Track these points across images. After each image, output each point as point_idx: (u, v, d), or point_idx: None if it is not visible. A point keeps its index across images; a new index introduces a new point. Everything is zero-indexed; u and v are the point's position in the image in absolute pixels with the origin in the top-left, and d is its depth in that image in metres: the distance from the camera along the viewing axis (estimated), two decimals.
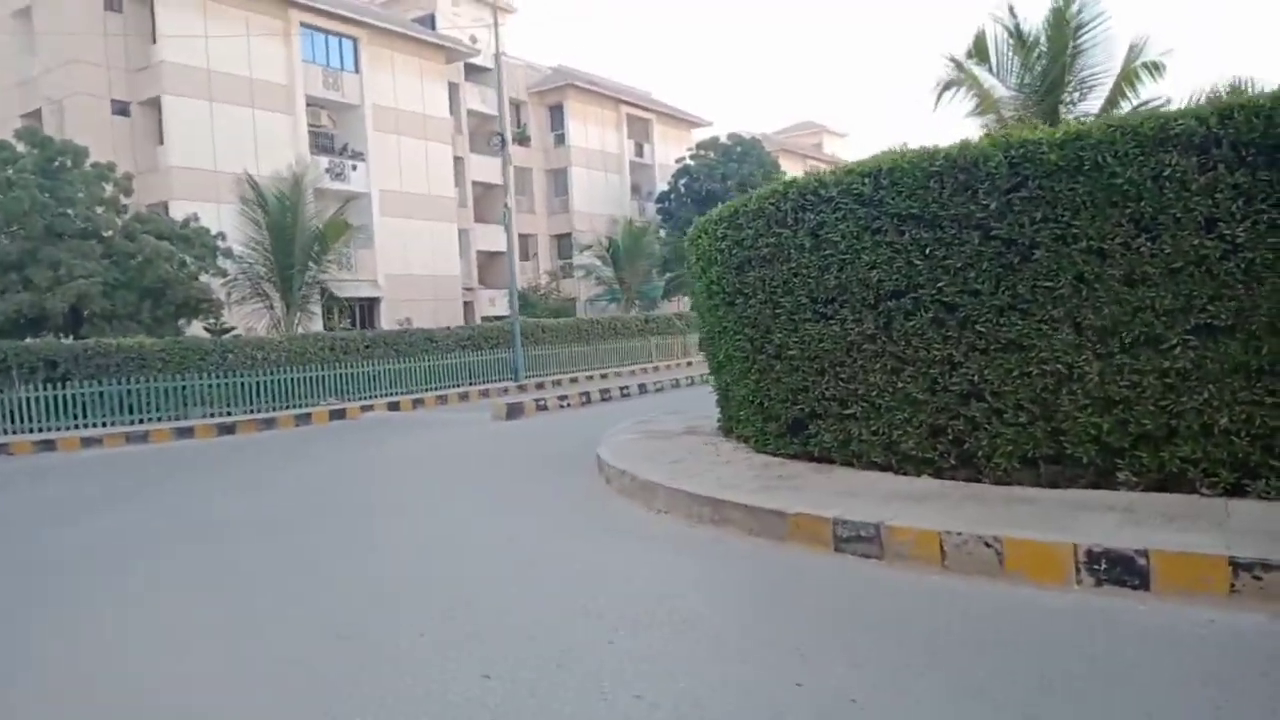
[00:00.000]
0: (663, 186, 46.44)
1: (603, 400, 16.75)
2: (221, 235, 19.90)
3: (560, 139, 44.05)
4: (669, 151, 48.90)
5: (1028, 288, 5.56)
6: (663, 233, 38.29)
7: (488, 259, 41.59)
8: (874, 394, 6.38)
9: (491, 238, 41.31)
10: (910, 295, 6.05)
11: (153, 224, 18.04)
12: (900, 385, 6.21)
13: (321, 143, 32.28)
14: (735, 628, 4.25)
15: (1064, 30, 15.40)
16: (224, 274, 19.29)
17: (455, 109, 38.71)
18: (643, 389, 17.93)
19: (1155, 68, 15.74)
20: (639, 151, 47.52)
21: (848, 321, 6.45)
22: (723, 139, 42.69)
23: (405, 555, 5.98)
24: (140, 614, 4.95)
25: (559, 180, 44.42)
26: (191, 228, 18.99)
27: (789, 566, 5.09)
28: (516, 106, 43.58)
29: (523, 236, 42.96)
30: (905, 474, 6.30)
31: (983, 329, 5.74)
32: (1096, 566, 4.30)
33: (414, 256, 34.04)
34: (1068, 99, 15.87)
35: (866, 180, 6.13)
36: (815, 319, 6.68)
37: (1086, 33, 15.39)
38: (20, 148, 17.34)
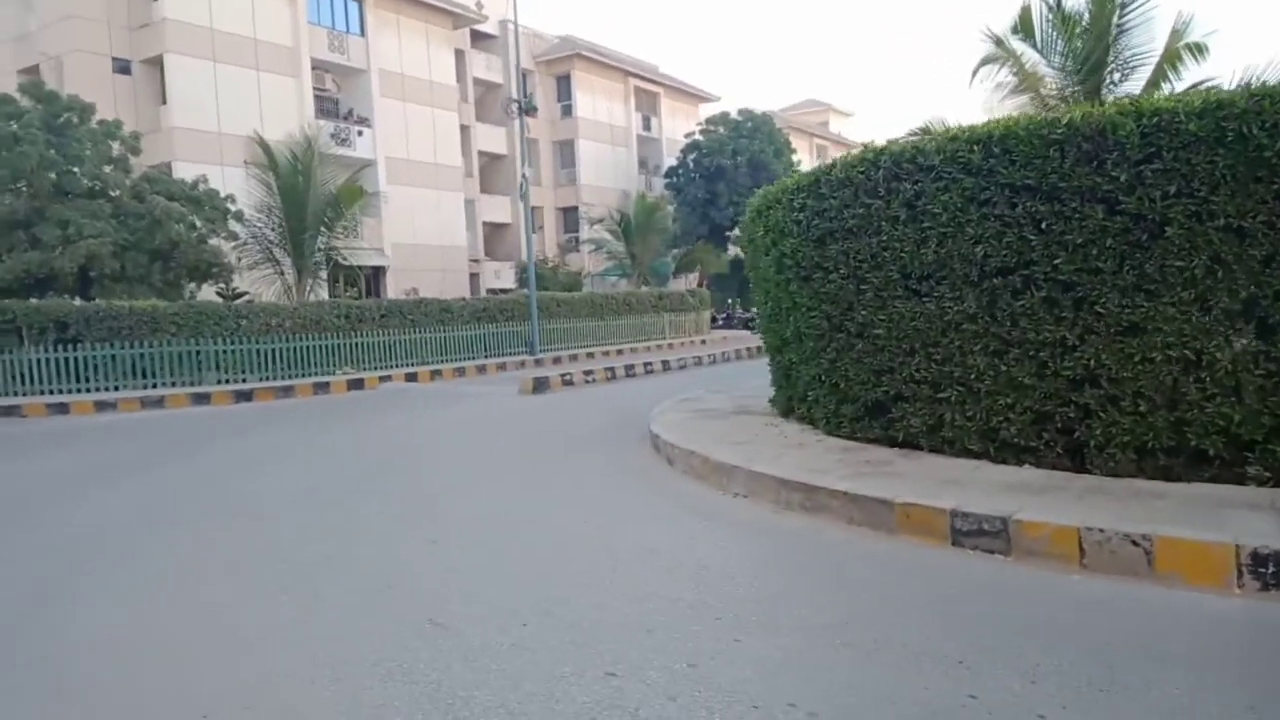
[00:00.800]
0: (670, 161, 45.83)
1: (628, 376, 16.38)
2: (230, 198, 19.32)
3: (567, 110, 43.32)
4: (676, 126, 48.25)
5: (1156, 267, 5.18)
6: (672, 208, 37.76)
7: (493, 230, 41.03)
8: (972, 377, 6.02)
9: (498, 209, 40.75)
10: (1020, 273, 5.66)
11: (162, 184, 17.47)
12: (1004, 368, 5.84)
13: (326, 107, 31.59)
14: (873, 632, 3.89)
15: (1107, 8, 14.95)
16: (235, 237, 18.75)
17: (462, 77, 37.95)
18: (666, 366, 17.56)
19: (1199, 49, 15.30)
20: (646, 125, 46.86)
21: (945, 299, 6.07)
22: (733, 114, 42.05)
23: (476, 539, 5.60)
24: (200, 607, 4.56)
25: (565, 152, 43.74)
26: (201, 189, 18.41)
27: (906, 562, 4.73)
28: (523, 76, 42.63)
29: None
30: (1004, 462, 5.95)
31: (1102, 310, 5.36)
32: (1263, 570, 3.96)
33: (420, 226, 33.48)
34: (1109, 79, 15.46)
35: (976, 148, 5.72)
36: (907, 296, 6.30)
37: (1130, 11, 14.92)
38: (24, 102, 16.72)
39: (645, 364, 17.03)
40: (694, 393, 11.44)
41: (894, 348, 6.47)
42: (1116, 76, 15.57)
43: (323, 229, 19.59)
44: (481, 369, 19.11)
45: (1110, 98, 15.69)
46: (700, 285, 38.37)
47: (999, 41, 16.47)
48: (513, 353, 21.42)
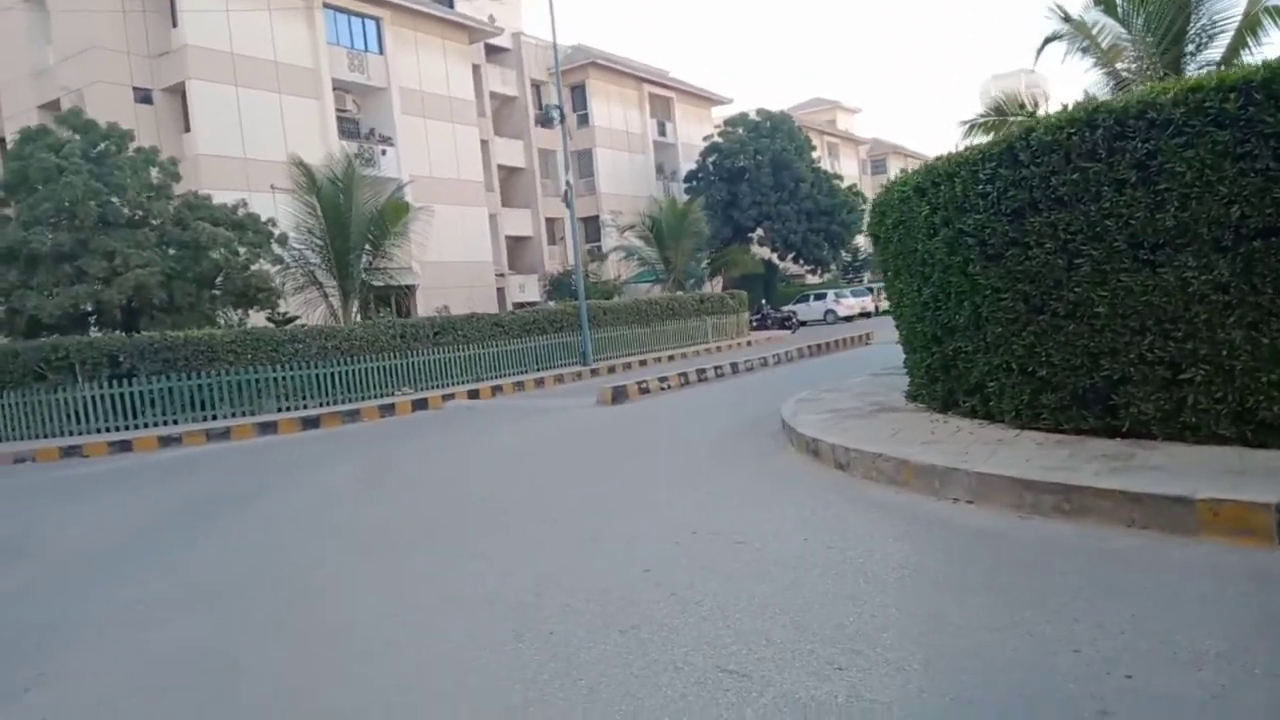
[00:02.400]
0: (687, 165, 45.31)
1: (700, 381, 15.71)
2: (272, 221, 18.72)
3: (583, 119, 42.76)
4: (690, 130, 47.72)
5: None
6: (703, 211, 37.12)
7: (515, 244, 40.46)
8: (1224, 354, 5.33)
9: (519, 222, 40.21)
10: None
11: (204, 210, 16.86)
12: (1265, 341, 5.16)
13: (347, 128, 31.03)
14: None
15: None
16: (280, 261, 18.12)
17: (478, 92, 37.42)
18: (735, 369, 16.89)
19: (1277, 13, 14.66)
20: (661, 130, 46.31)
21: (1187, 269, 5.39)
22: (751, 115, 41.53)
23: (690, 565, 4.89)
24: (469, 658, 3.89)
25: (583, 162, 43.14)
26: (242, 214, 17.81)
27: (1239, 571, 4.03)
28: (536, 87, 42.29)
29: (549, 220, 41.83)
30: (1263, 446, 5.26)
31: None
32: None
33: (447, 243, 32.81)
34: (1189, 49, 14.84)
35: (1231, 96, 5.05)
36: (1136, 268, 5.61)
37: None
38: (62, 133, 16.13)
39: (716, 368, 16.35)
40: (804, 393, 10.75)
41: (1118, 327, 5.79)
42: (1192, 47, 14.98)
43: (367, 247, 18.97)
44: (540, 382, 18.45)
45: (1190, 69, 15.07)
46: (724, 287, 37.78)
47: (1066, 18, 15.90)
48: (565, 364, 20.77)
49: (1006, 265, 6.38)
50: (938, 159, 7.15)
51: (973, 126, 16.90)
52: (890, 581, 4.35)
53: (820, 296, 38.80)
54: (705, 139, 42.92)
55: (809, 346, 19.88)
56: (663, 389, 14.69)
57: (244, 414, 14.56)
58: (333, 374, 15.68)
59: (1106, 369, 5.93)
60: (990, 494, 5.40)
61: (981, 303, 6.73)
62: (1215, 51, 14.66)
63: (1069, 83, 72.09)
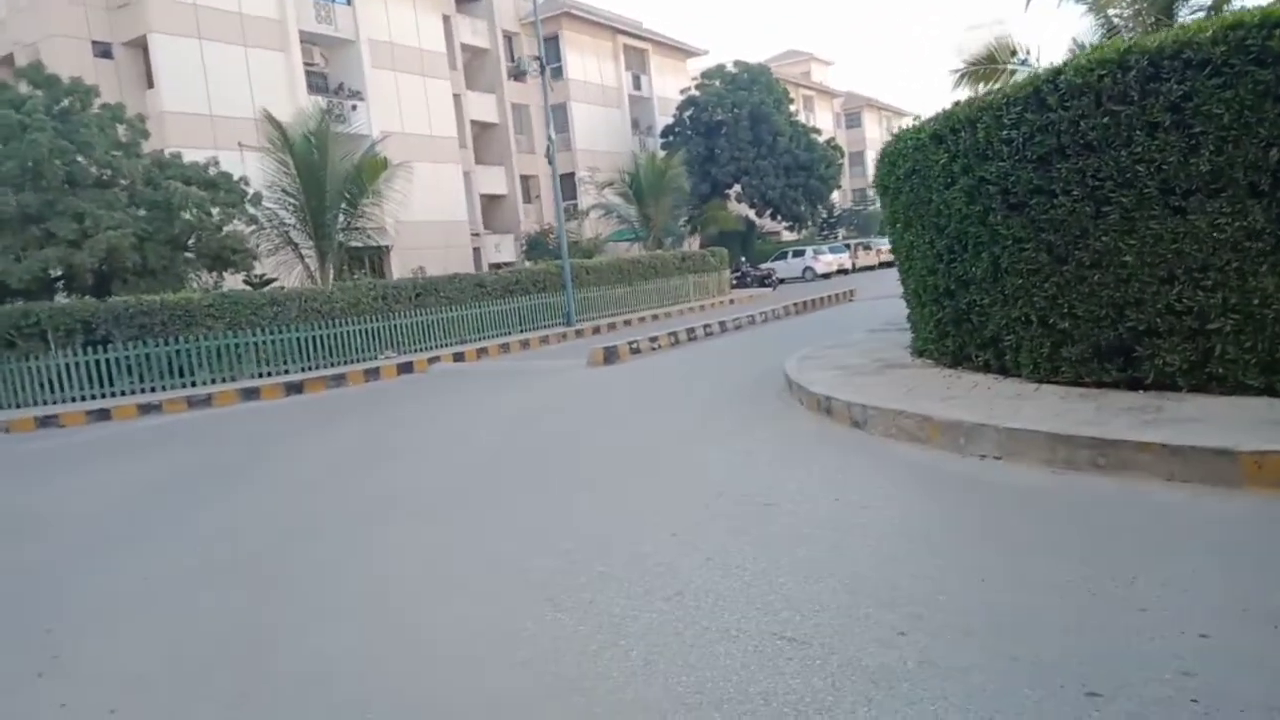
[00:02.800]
0: (663, 120, 44.64)
1: (690, 341, 15.53)
2: (244, 180, 18.13)
3: (557, 73, 41.73)
4: (666, 84, 46.95)
5: None
6: (684, 167, 36.60)
7: (489, 202, 39.76)
8: (1254, 303, 5.23)
9: (493, 180, 39.48)
10: None
11: (176, 169, 16.25)
12: None
13: (316, 82, 30.09)
14: None
15: None
16: (255, 222, 17.57)
17: (449, 44, 36.43)
18: (724, 327, 16.72)
19: None
20: (636, 84, 45.51)
21: (1220, 215, 5.26)
22: (729, 67, 40.88)
23: (726, 541, 4.75)
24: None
25: (558, 117, 42.07)
26: (215, 172, 17.20)
27: None
28: (508, 39, 41.30)
29: (524, 177, 41.14)
30: None
31: None
32: None
33: (421, 202, 32.07)
34: None
35: (1276, 33, 4.87)
36: (1166, 215, 5.47)
37: None
38: (22, 88, 15.41)
39: (705, 327, 16.17)
40: (805, 350, 10.62)
41: (1145, 276, 5.66)
42: None
43: (344, 206, 18.46)
44: (525, 344, 18.17)
45: (1182, 13, 14.89)
46: (701, 245, 37.45)
47: None
48: (549, 325, 20.49)
49: (1030, 214, 6.22)
50: (956, 105, 6.95)
51: (963, 75, 16.69)
52: (935, 542, 4.25)
53: (799, 254, 38.64)
54: (682, 92, 42.25)
55: (794, 304, 19.75)
56: (653, 349, 14.51)
57: (224, 380, 14.18)
58: (314, 338, 15.31)
59: (1131, 320, 5.81)
60: (1021, 450, 5.29)
61: (1001, 253, 6.57)
62: None
63: (1041, 33, 71.66)
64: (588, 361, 13.51)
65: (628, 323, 21.29)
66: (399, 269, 30.75)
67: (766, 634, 3.37)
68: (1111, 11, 15.16)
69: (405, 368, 15.22)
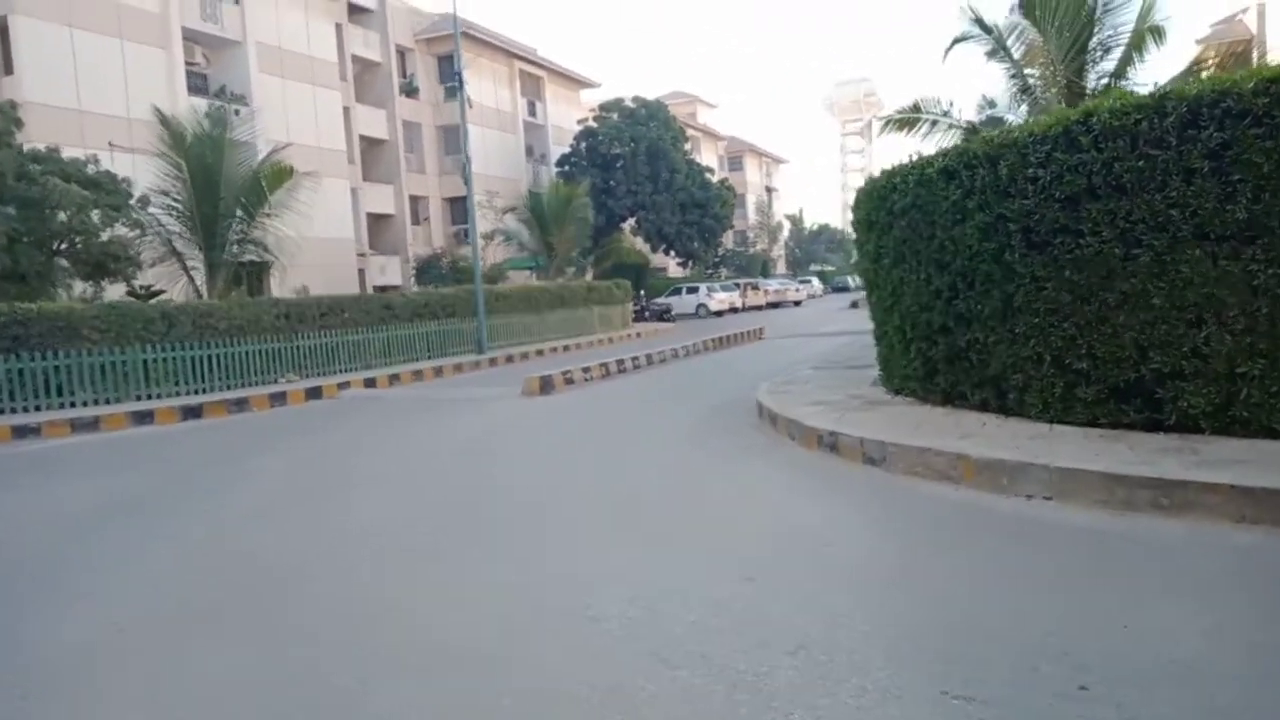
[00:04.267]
0: (557, 149, 44.37)
1: (621, 372, 15.13)
2: (127, 181, 16.54)
3: (452, 92, 40.85)
4: (560, 112, 46.79)
5: None
6: (588, 198, 36.29)
7: (376, 221, 38.20)
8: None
9: (381, 199, 38.05)
10: None
11: (53, 164, 14.61)
12: None
13: (196, 83, 28.17)
14: None
15: None
16: (140, 227, 16.00)
17: (340, 55, 35.00)
18: (650, 360, 16.38)
19: (1158, 33, 15.68)
20: (531, 111, 45.08)
21: (1254, 262, 5.36)
22: (627, 101, 41.10)
23: (780, 586, 4.36)
24: None
25: (450, 138, 41.30)
26: (97, 171, 15.59)
27: None
28: (401, 54, 40.14)
29: (413, 198, 39.87)
30: None
31: None
32: None
33: (305, 217, 30.49)
34: (1091, 60, 15.57)
35: None
36: (1199, 260, 5.54)
37: None
38: None
39: (633, 359, 15.79)
40: (765, 385, 10.43)
41: (1173, 319, 5.71)
42: (1094, 59, 15.71)
43: (240, 216, 17.12)
44: (439, 371, 17.26)
45: (1090, 78, 15.84)
46: (595, 278, 37.25)
47: (979, 20, 16.35)
48: (458, 352, 19.61)
49: (1052, 253, 6.21)
50: (970, 140, 6.92)
51: (889, 121, 17.20)
52: (1044, 591, 3.97)
53: (693, 290, 38.98)
54: (580, 123, 42.12)
55: (712, 340, 19.67)
56: (587, 379, 14.02)
57: (108, 400, 12.69)
58: (211, 357, 13.97)
59: (1156, 362, 5.84)
60: (1073, 490, 5.16)
61: (1015, 291, 6.54)
62: (1109, 64, 15.50)
63: (905, 88, 76.13)
64: (523, 391, 12.88)
65: (540, 353, 20.67)
66: (279, 288, 28.96)
67: (935, 694, 3.00)
68: (1028, 71, 15.94)
69: (313, 393, 14.10)
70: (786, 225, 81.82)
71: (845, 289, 67.94)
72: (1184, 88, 5.54)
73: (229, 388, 14.08)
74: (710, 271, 53.71)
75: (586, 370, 14.16)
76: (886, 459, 6.36)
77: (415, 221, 40.07)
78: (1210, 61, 16.66)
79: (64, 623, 4.26)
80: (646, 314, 33.56)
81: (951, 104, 16.84)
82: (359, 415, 12.02)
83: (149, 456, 9.56)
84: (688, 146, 42.45)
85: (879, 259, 8.40)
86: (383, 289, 33.45)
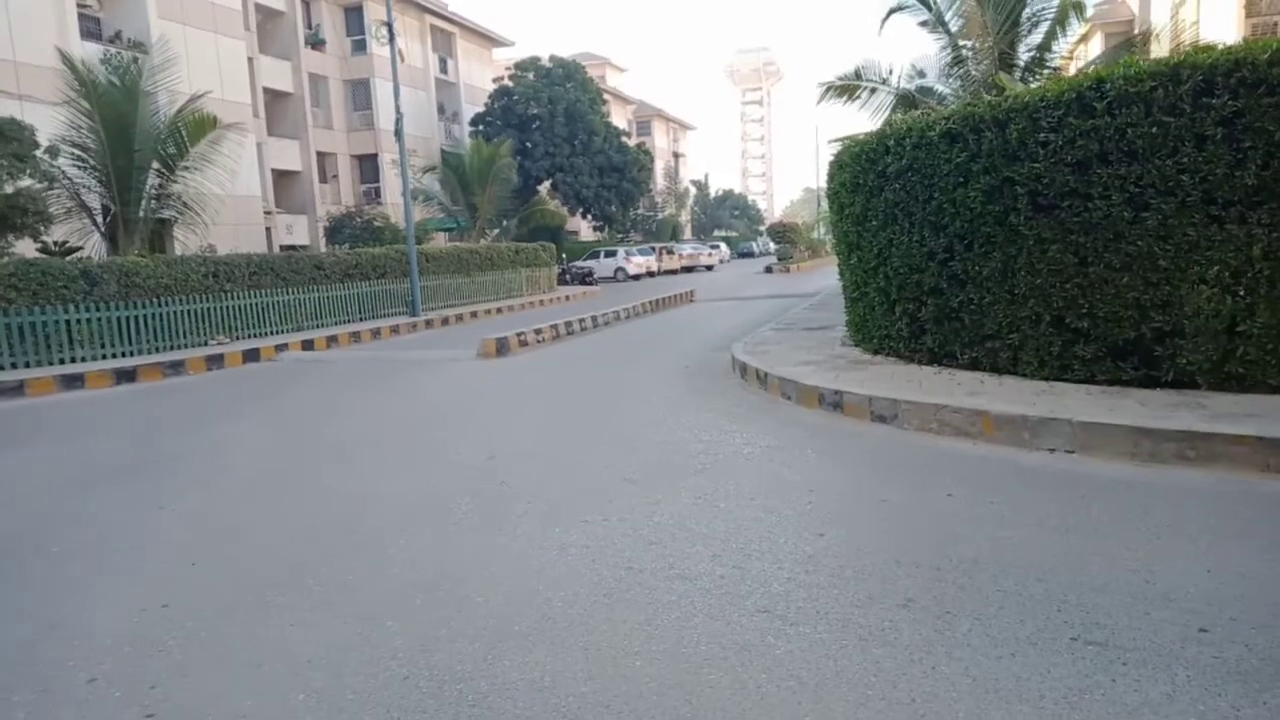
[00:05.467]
0: (469, 108, 43.18)
1: (570, 335, 14.96)
2: (32, 129, 15.23)
3: (360, 46, 39.23)
4: (472, 71, 45.47)
5: None
6: (516, 157, 35.45)
7: (281, 178, 36.46)
8: None
9: (286, 155, 36.34)
10: None
11: None
12: None
13: (88, 27, 26.09)
14: None
15: None
16: (49, 179, 14.79)
17: (244, 3, 32.98)
18: (595, 322, 16.23)
19: (1079, 8, 16.30)
20: (443, 68, 43.61)
21: (1258, 226, 5.66)
22: (544, 60, 40.22)
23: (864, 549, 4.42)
24: None
25: (359, 93, 39.70)
26: (6, 118, 14.30)
27: None
28: (307, 4, 38.13)
29: (320, 154, 38.18)
30: None
31: None
32: None
33: (208, 173, 28.85)
34: (1022, 32, 16.06)
35: None
36: (1205, 223, 5.82)
37: None
38: None
39: (580, 321, 15.61)
40: (738, 345, 10.49)
41: (1177, 280, 6.00)
42: (1024, 30, 16.21)
43: (156, 168, 16.04)
44: (376, 333, 16.68)
45: (1020, 50, 16.37)
46: (514, 240, 36.57)
47: None
48: (391, 313, 19.00)
49: (1059, 216, 6.41)
50: (974, 104, 7.04)
51: (830, 88, 17.38)
52: (1114, 540, 4.11)
53: (610, 254, 38.76)
54: (495, 81, 41.07)
55: (650, 303, 19.66)
56: (539, 341, 13.80)
57: (26, 364, 11.77)
58: (138, 317, 13.10)
59: (1157, 321, 6.14)
60: (1098, 443, 5.39)
61: (1018, 253, 6.74)
62: (1037, 37, 16.05)
63: (805, 58, 77.07)
64: (479, 353, 12.59)
65: (474, 315, 20.23)
66: (181, 246, 27.34)
67: (1064, 641, 3.10)
68: (964, 43, 16.33)
69: (251, 355, 13.43)
70: (693, 191, 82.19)
71: (750, 254, 68.95)
72: (1192, 55, 5.76)
73: (157, 350, 13.27)
74: (621, 236, 53.57)
75: (539, 332, 13.94)
76: (899, 416, 6.50)
77: (323, 179, 38.46)
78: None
79: (102, 606, 3.96)
80: (567, 277, 33.25)
81: (891, 72, 17.16)
82: (311, 378, 11.51)
83: (99, 423, 8.94)
84: (607, 108, 41.93)
85: (864, 221, 8.51)
86: (290, 249, 32.06)
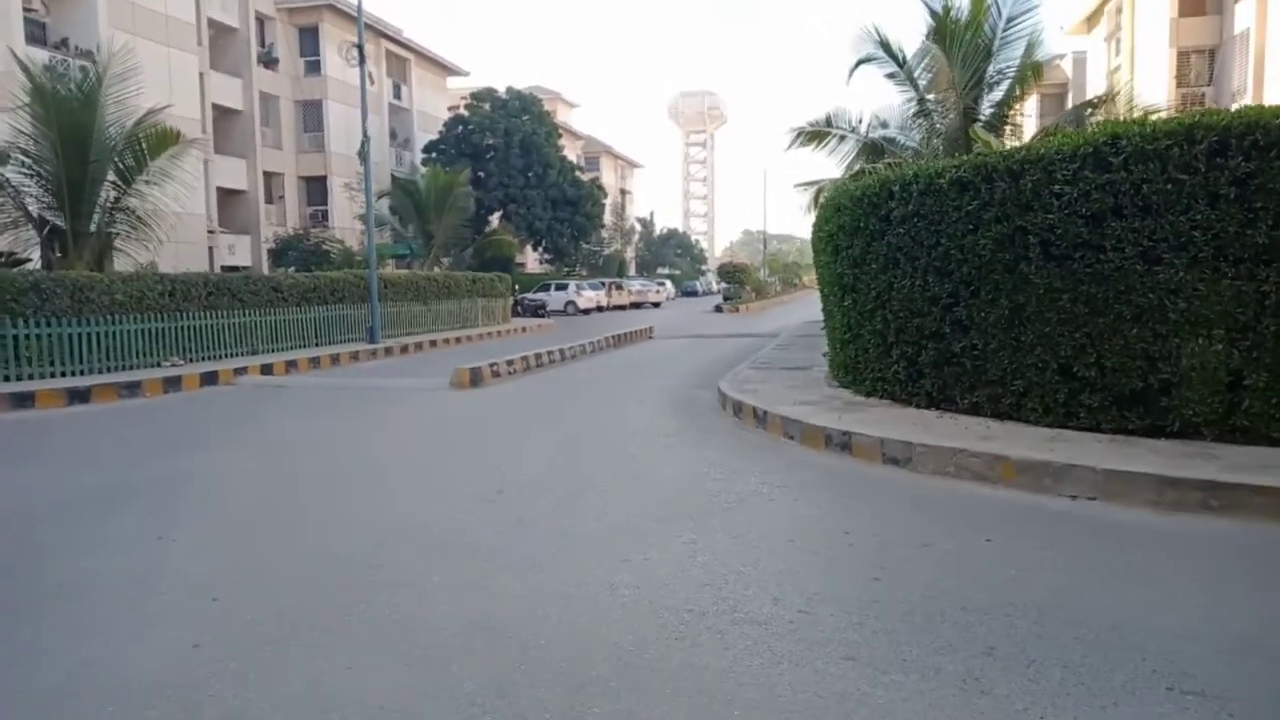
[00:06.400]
0: (422, 135, 42.92)
1: (539, 366, 14.76)
2: None
3: (314, 67, 38.73)
4: (425, 98, 45.30)
5: None
6: (471, 187, 35.07)
7: (226, 197, 35.53)
8: None
9: (232, 173, 35.49)
10: None
11: None
12: None
13: (33, 32, 25.19)
14: None
15: (995, 20, 16.04)
16: None
17: (197, 17, 32.28)
18: (563, 355, 16.03)
19: (1037, 69, 17.04)
20: (396, 93, 43.34)
21: (1267, 283, 5.88)
22: (500, 91, 40.23)
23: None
24: None
25: (310, 114, 39.09)
26: None
27: None
28: (261, 21, 37.52)
29: (267, 174, 37.36)
30: None
31: None
32: None
33: (166, 189, 27.91)
34: (986, 88, 16.63)
35: None
36: (1215, 279, 6.02)
37: (1012, 26, 16.14)
38: None
39: (549, 353, 15.42)
40: (727, 382, 10.46)
41: (1186, 332, 6.17)
42: (987, 88, 16.80)
43: (113, 180, 15.44)
44: (335, 359, 16.19)
45: (984, 104, 16.96)
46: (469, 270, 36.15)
47: (885, 44, 17.14)
48: (348, 339, 18.51)
49: (1071, 266, 6.56)
50: (985, 154, 7.20)
51: (800, 134, 17.72)
52: (1171, 587, 4.15)
53: (561, 287, 38.67)
54: (450, 109, 40.89)
55: (612, 338, 19.54)
56: (510, 373, 13.57)
57: None
58: (91, 335, 12.48)
59: (1165, 372, 6.30)
60: (1121, 491, 5.47)
61: (1026, 301, 6.87)
62: (998, 95, 16.67)
63: (749, 104, 78.80)
64: (452, 382, 12.31)
65: (433, 344, 19.85)
66: (120, 262, 26.31)
67: (1160, 691, 3.08)
68: (930, 96, 16.83)
69: (208, 378, 12.90)
70: (638, 228, 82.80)
71: (694, 293, 69.60)
72: (1211, 119, 5.99)
73: (109, 370, 12.64)
74: (568, 270, 53.56)
75: (510, 363, 13.71)
76: (913, 459, 6.51)
77: (269, 200, 37.60)
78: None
79: (130, 646, 3.67)
80: (519, 309, 33.00)
81: (860, 120, 17.59)
82: (278, 404, 11.11)
83: (65, 446, 8.44)
84: (561, 142, 42.06)
85: (862, 263, 8.60)
86: (232, 269, 31.18)
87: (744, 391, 9.58)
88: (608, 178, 75.20)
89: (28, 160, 14.68)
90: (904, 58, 16.93)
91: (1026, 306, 6.89)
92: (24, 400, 10.46)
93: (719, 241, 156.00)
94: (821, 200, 19.07)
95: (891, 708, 3.01)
